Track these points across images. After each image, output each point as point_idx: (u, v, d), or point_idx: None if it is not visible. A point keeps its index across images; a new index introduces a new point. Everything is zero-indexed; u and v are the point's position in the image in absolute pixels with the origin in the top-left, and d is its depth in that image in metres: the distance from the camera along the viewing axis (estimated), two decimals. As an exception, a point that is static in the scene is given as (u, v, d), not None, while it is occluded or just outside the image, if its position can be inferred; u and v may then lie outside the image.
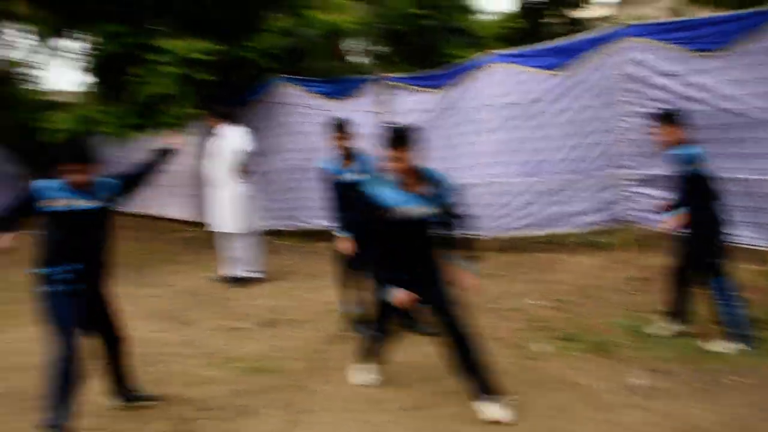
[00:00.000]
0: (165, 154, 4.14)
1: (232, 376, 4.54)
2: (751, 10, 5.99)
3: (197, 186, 11.33)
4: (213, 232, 7.78)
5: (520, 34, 15.77)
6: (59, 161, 3.53)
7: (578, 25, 16.80)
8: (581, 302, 5.58)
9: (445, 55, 11.02)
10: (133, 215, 14.03)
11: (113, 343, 3.90)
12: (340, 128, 5.26)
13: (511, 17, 14.97)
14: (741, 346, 4.24)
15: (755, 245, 5.97)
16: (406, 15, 11.22)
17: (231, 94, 9.77)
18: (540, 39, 15.29)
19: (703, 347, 4.37)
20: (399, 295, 3.57)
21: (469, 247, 3.78)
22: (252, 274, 7.27)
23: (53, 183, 3.56)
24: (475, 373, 3.52)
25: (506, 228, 7.76)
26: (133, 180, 3.96)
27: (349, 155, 5.25)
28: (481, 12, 13.99)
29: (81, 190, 3.56)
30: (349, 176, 5.16)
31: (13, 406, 4.06)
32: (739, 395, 3.72)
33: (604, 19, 23.33)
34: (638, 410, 3.62)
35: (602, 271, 6.42)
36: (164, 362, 4.90)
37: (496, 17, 14.73)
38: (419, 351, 4.60)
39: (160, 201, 13.44)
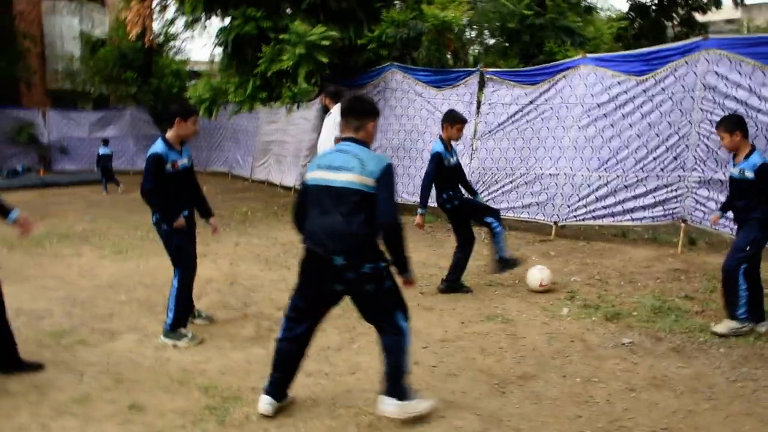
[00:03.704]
0: None
1: (310, 306, 5.58)
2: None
3: (310, 157, 12.62)
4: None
5: (632, 34, 15.94)
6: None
7: (695, 27, 16.65)
8: (620, 284, 6.16)
9: (552, 53, 11.52)
10: (257, 181, 15.68)
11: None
12: (462, 120, 6.06)
13: (621, 17, 15.16)
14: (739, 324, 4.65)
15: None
16: (517, 12, 11.79)
17: (347, 76, 10.88)
18: (653, 40, 15.41)
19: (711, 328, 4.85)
20: None
21: None
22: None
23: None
24: None
25: (579, 216, 8.32)
26: None
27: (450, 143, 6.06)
28: (595, 11, 14.25)
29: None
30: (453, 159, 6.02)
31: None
32: (710, 359, 4.35)
33: (729, 22, 22.65)
34: (621, 360, 4.35)
35: (651, 262, 6.91)
36: (263, 291, 6.07)
37: (607, 18, 14.92)
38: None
39: (278, 169, 14.93)
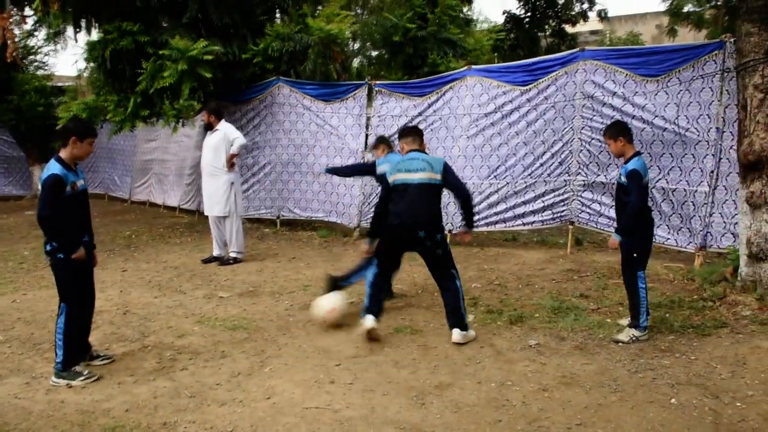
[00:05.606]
0: None
1: (213, 331, 5.32)
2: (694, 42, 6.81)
3: (194, 175, 12.14)
4: (205, 216, 8.56)
5: (508, 45, 16.78)
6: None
7: (565, 38, 17.82)
8: (518, 287, 6.39)
9: (436, 65, 11.81)
10: (137, 202, 14.87)
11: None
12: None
13: (498, 29, 15.93)
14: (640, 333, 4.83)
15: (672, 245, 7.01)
16: (400, 25, 11.99)
17: (232, 92, 10.59)
18: (528, 51, 16.31)
19: (615, 324, 5.13)
20: None
21: None
22: (237, 255, 8.04)
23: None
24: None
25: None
26: None
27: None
28: (473, 23, 14.82)
29: None
30: None
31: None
32: (611, 354, 4.61)
33: (593, 33, 24.73)
34: (530, 362, 4.51)
35: (544, 264, 7.24)
36: (160, 319, 5.71)
37: (487, 29, 15.60)
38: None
39: (160, 189, 14.24)
